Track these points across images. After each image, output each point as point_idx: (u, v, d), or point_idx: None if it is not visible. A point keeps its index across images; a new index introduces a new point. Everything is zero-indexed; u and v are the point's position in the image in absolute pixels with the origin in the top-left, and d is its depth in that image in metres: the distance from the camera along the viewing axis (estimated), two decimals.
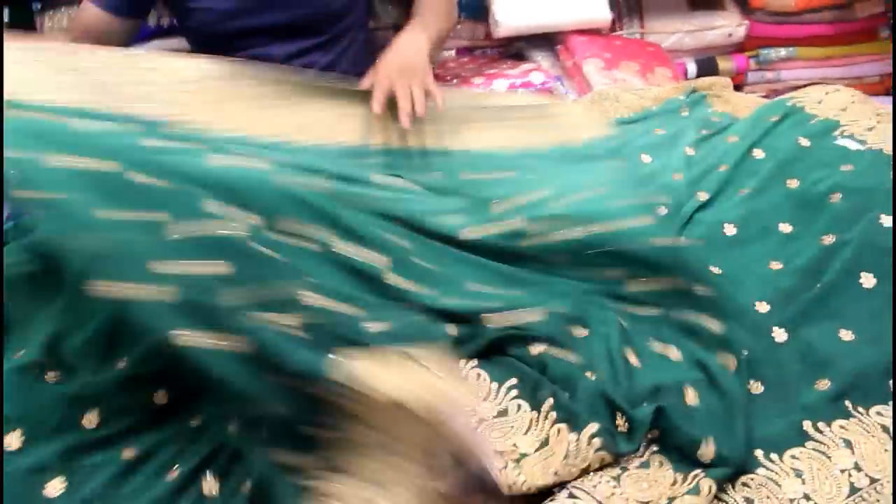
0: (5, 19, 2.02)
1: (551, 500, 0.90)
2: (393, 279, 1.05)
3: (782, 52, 2.28)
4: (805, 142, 1.35)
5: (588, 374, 1.00)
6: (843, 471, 0.92)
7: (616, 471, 0.92)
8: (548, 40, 2.04)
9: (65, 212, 0.86)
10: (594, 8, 2.02)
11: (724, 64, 2.22)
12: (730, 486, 0.92)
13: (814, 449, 0.95)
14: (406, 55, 1.33)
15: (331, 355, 0.86)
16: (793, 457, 0.94)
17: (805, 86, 1.72)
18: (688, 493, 0.89)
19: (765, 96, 1.82)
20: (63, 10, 2.02)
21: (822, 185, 1.26)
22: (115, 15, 1.45)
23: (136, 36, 1.59)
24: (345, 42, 1.55)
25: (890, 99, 1.68)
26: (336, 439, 0.86)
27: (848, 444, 0.95)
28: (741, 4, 2.26)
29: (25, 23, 2.04)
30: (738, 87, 2.27)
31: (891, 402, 0.99)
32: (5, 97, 0.95)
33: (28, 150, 0.89)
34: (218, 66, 1.24)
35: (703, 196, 1.32)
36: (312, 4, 1.48)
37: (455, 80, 1.80)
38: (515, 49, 2.08)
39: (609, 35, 2.09)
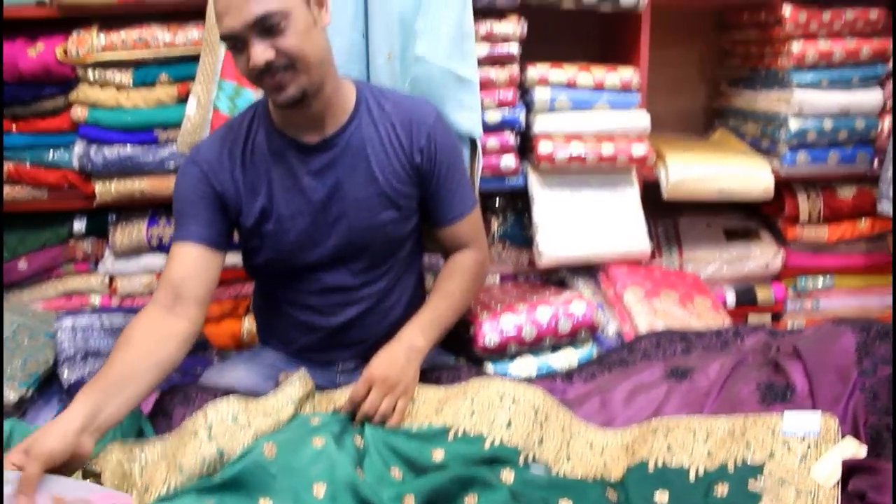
0: (83, 230, 2.18)
1: None
2: None
3: (820, 281, 2.32)
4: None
5: None
6: None
7: None
8: (589, 268, 2.13)
9: None
10: (634, 240, 2.11)
11: (762, 293, 2.27)
12: None
13: None
14: (395, 367, 1.43)
15: None
16: None
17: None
18: None
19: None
20: (134, 223, 2.16)
21: None
22: (215, 249, 1.49)
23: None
24: (400, 268, 1.65)
25: None
26: None
27: None
28: (776, 235, 2.33)
29: (99, 232, 2.19)
30: (777, 316, 2.30)
31: None
32: None
33: None
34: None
35: None
36: (376, 233, 1.57)
37: (499, 306, 1.86)
38: (559, 276, 2.17)
39: (649, 265, 2.16)
